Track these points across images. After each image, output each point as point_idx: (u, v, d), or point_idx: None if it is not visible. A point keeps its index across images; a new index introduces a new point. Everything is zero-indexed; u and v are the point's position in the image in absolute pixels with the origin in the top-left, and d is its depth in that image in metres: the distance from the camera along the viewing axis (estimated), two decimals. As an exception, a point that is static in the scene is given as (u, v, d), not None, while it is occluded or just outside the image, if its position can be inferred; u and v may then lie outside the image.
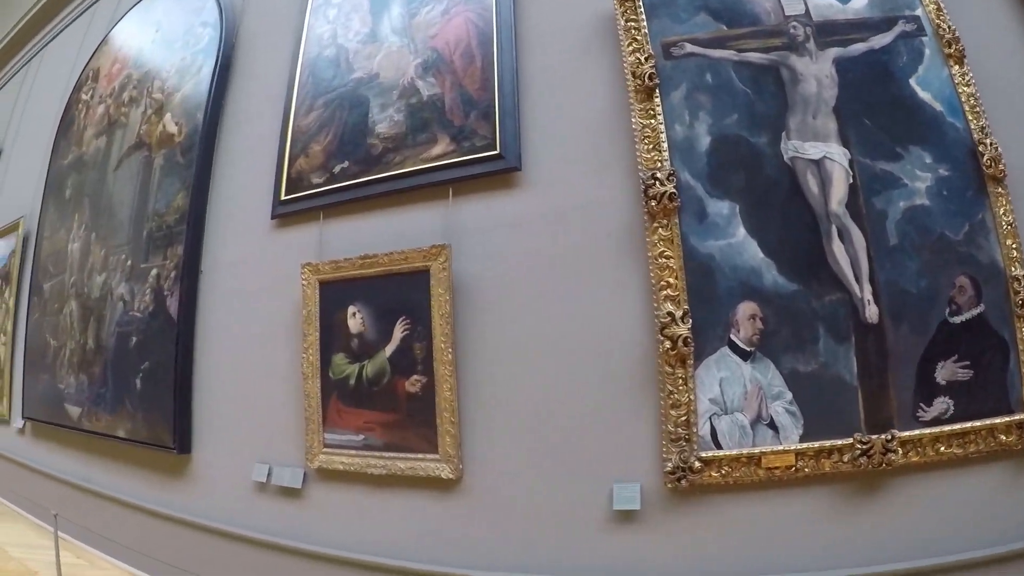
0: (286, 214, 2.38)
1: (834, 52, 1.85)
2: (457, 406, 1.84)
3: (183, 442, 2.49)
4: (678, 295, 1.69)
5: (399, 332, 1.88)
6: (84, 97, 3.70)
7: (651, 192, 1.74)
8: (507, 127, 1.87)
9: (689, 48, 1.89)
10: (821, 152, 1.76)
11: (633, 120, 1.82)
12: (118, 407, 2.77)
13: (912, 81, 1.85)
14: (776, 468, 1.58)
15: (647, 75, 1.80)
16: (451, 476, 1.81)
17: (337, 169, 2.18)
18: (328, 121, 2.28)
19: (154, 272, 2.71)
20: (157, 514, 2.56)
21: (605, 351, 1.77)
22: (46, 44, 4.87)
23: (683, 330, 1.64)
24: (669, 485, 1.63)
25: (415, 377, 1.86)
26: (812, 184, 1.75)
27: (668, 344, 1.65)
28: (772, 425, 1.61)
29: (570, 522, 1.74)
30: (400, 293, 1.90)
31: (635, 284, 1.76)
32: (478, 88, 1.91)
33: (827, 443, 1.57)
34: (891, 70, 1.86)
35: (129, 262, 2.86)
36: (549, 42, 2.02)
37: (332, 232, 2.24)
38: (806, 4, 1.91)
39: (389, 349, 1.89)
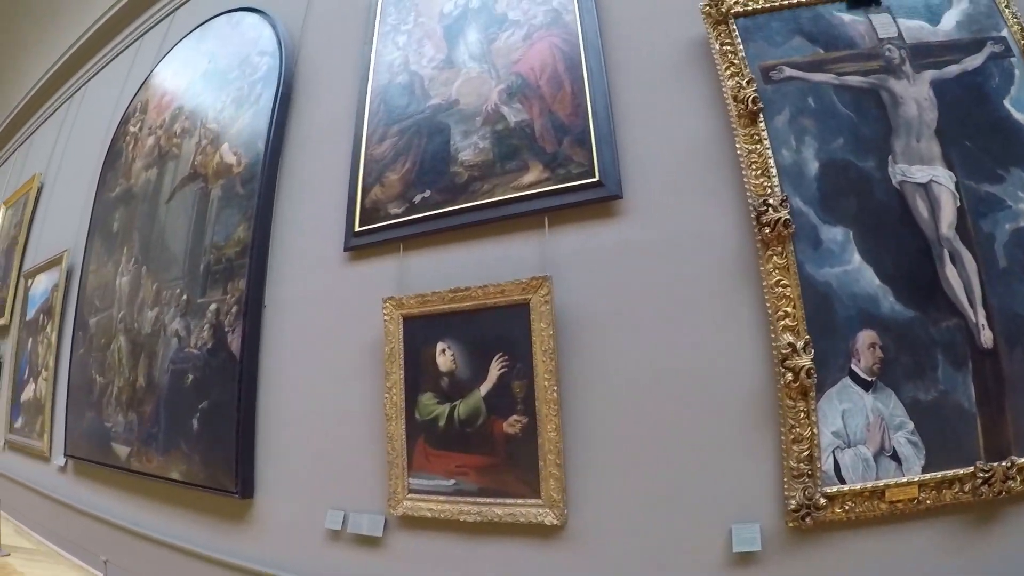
0: (361, 246, 2.24)
1: (930, 74, 1.77)
2: (562, 447, 1.69)
3: (246, 486, 2.31)
4: (797, 325, 1.60)
5: (496, 370, 1.74)
6: (132, 129, 3.64)
7: (764, 219, 1.63)
8: (604, 154, 1.78)
9: (788, 72, 1.80)
10: (928, 176, 1.69)
11: (738, 145, 1.72)
12: (171, 448, 2.61)
13: (1006, 102, 1.75)
14: (899, 501, 1.51)
15: (750, 99, 1.71)
16: (555, 522, 1.68)
17: (418, 199, 2.05)
18: (404, 149, 2.17)
19: (213, 307, 2.57)
20: (215, 561, 2.37)
21: (718, 385, 1.64)
22: (90, 79, 4.87)
23: (805, 361, 1.54)
24: (791, 524, 1.53)
25: (514, 417, 1.72)
26: (922, 208, 1.66)
27: (790, 376, 1.55)
28: (895, 457, 1.54)
29: (685, 568, 1.59)
30: (496, 328, 1.77)
31: (748, 314, 1.64)
32: (569, 114, 1.83)
33: (949, 473, 1.51)
34: (985, 91, 1.77)
35: (184, 297, 2.73)
36: (639, 67, 1.92)
37: (413, 265, 2.10)
38: (898, 27, 1.84)
39: (484, 388, 1.75)
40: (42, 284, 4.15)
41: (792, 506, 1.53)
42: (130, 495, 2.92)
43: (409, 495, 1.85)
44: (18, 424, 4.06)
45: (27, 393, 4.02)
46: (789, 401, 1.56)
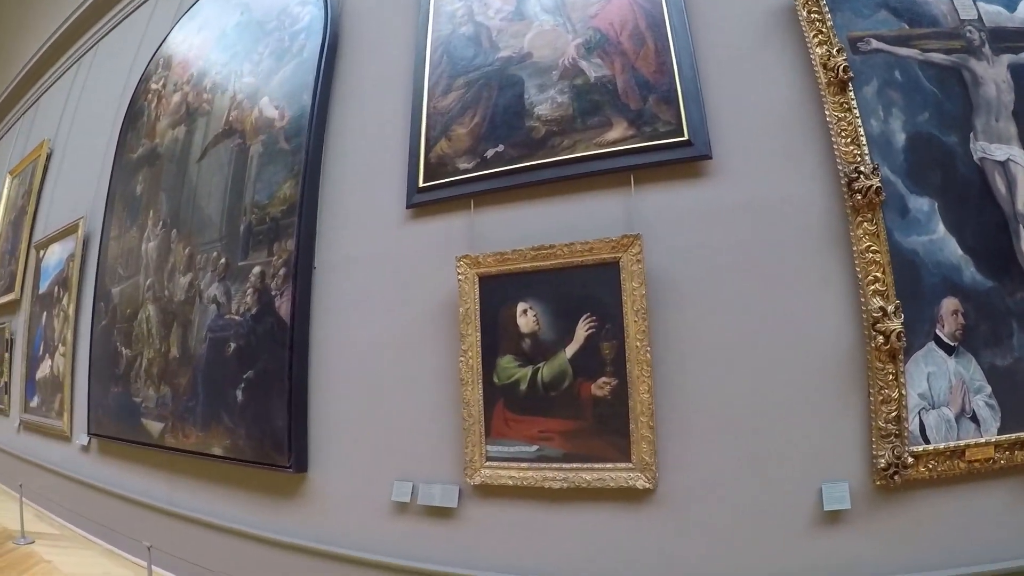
0: (426, 203, 2.02)
1: (1008, 58, 1.74)
2: (653, 409, 1.59)
3: (299, 460, 2.08)
4: (886, 290, 1.58)
5: (583, 330, 1.64)
6: (154, 87, 3.33)
7: (855, 186, 1.59)
8: (692, 113, 1.69)
9: (875, 44, 1.75)
10: (1006, 154, 1.69)
11: (827, 113, 1.67)
12: (212, 422, 2.37)
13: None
14: (976, 461, 1.54)
15: (840, 68, 1.66)
16: (647, 486, 1.59)
17: (490, 154, 1.89)
18: (472, 102, 1.98)
19: (256, 270, 2.31)
20: (268, 540, 2.16)
21: (808, 347, 1.59)
22: (101, 39, 4.50)
23: (896, 325, 1.53)
24: (879, 482, 1.52)
25: (603, 379, 1.60)
26: (1000, 185, 1.66)
27: (880, 339, 1.54)
28: (974, 418, 1.56)
29: (776, 527, 1.55)
30: (583, 287, 1.65)
31: (837, 279, 1.60)
32: (654, 71, 1.74)
33: (1022, 435, 1.54)
34: (1060, 79, 1.77)
35: (223, 260, 2.46)
36: (724, 30, 1.84)
37: (486, 222, 1.91)
38: (978, 9, 1.83)
39: (571, 350, 1.64)
40: (56, 255, 3.85)
41: (881, 465, 1.52)
42: (166, 474, 2.67)
43: (487, 463, 1.73)
44: (34, 403, 3.78)
45: (43, 370, 3.74)
46: (878, 364, 1.55)
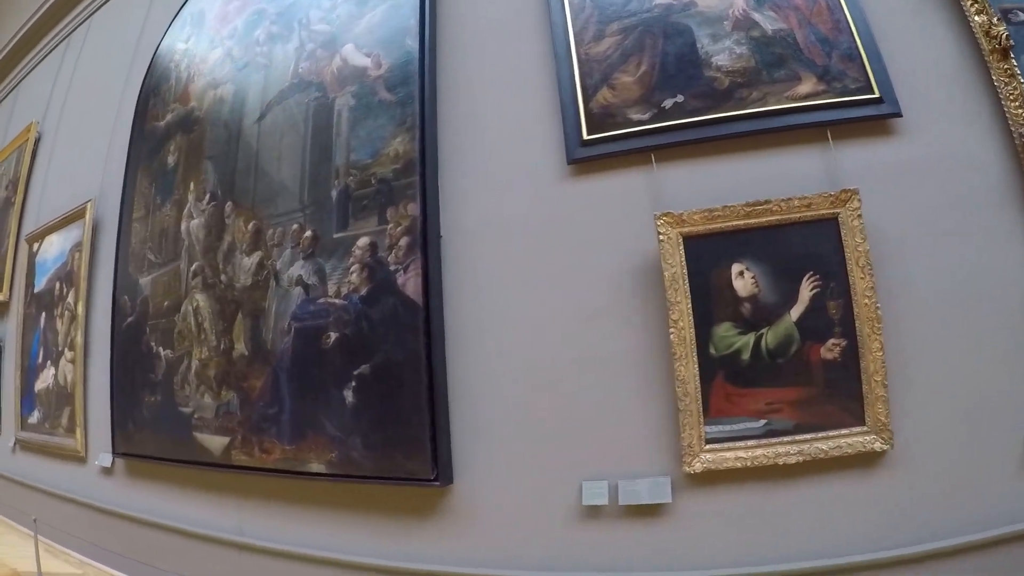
0: (593, 158, 1.59)
1: None
2: (886, 368, 1.37)
3: (445, 471, 1.54)
4: None
5: (807, 290, 1.39)
6: (182, 46, 2.64)
7: None
8: (877, 71, 1.53)
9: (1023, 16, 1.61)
10: None
11: (994, 78, 1.53)
12: (307, 432, 1.73)
13: None
14: None
15: (1004, 36, 1.54)
16: (884, 447, 1.37)
17: (668, 104, 1.59)
18: (634, 49, 1.66)
19: (364, 242, 1.70)
20: (396, 572, 1.57)
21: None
22: (94, 12, 3.67)
23: None
24: None
25: (832, 341, 1.38)
26: None
27: None
28: None
29: (1014, 481, 1.34)
30: (802, 245, 1.41)
31: None
32: (831, 28, 1.58)
33: None
34: None
35: (308, 233, 1.82)
36: None
37: (669, 178, 1.54)
38: None
39: (796, 312, 1.39)
40: (55, 246, 3.01)
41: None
42: (233, 499, 1.99)
43: (707, 446, 1.39)
44: (33, 419, 2.91)
45: (44, 380, 2.89)
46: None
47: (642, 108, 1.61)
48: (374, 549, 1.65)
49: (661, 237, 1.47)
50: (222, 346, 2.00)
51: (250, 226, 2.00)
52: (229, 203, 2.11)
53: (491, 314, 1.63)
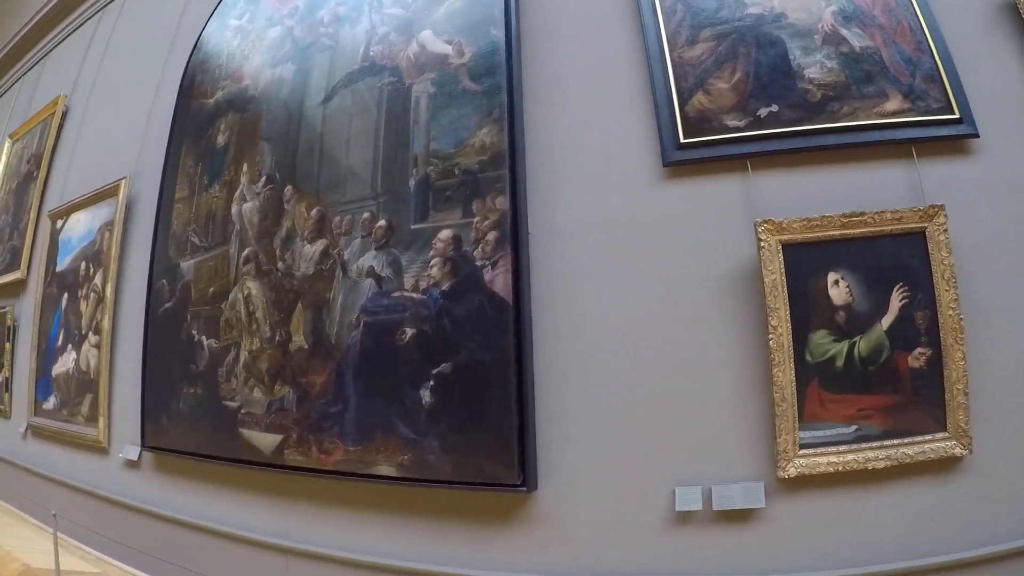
0: (689, 161, 1.53)
1: None
2: (968, 376, 1.39)
3: (531, 475, 1.43)
4: None
5: (897, 301, 1.41)
6: (235, 23, 2.47)
7: None
8: (956, 92, 1.53)
9: None
10: None
11: None
12: (375, 432, 1.59)
13: None
14: None
15: None
16: (963, 452, 1.39)
17: (763, 113, 1.56)
18: (728, 56, 1.61)
19: (446, 234, 1.57)
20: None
21: None
22: (127, -13, 3.52)
23: None
24: None
25: (919, 350, 1.40)
26: None
27: None
28: None
29: None
30: (892, 256, 1.43)
31: None
32: (914, 49, 1.59)
33: None
34: None
35: (381, 223, 1.70)
36: (955, 16, 1.63)
37: (763, 186, 1.50)
38: None
39: (886, 321, 1.41)
40: (82, 224, 2.81)
41: None
42: (280, 501, 1.83)
43: (801, 451, 1.38)
44: (49, 404, 2.70)
45: (63, 365, 2.69)
46: None
47: (738, 115, 1.58)
48: (446, 556, 1.52)
49: (762, 244, 1.42)
50: (277, 338, 1.85)
51: (313, 212, 1.86)
52: (289, 187, 1.96)
53: (581, 314, 1.53)
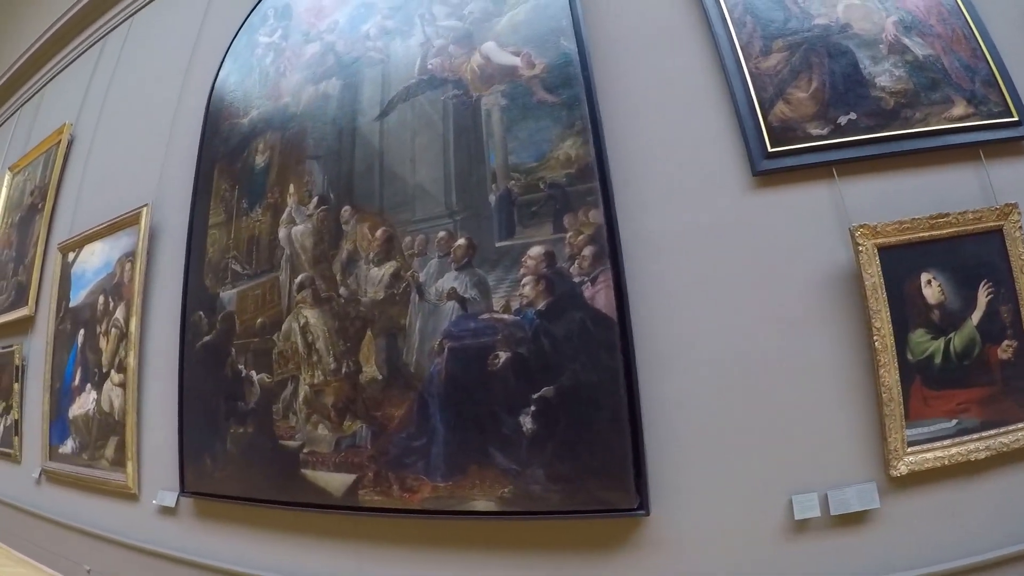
0: (778, 170, 1.51)
1: None
2: None
3: (645, 498, 1.32)
4: None
5: (983, 296, 1.45)
6: (265, 39, 2.34)
7: None
8: (1013, 96, 1.56)
9: None
10: None
11: None
12: (469, 465, 1.44)
13: None
14: None
15: None
16: None
17: (843, 121, 1.56)
18: (802, 66, 1.62)
19: (537, 251, 1.47)
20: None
21: None
22: (132, 14, 3.31)
23: None
24: None
25: (1006, 342, 1.43)
26: None
27: None
28: None
29: None
30: (975, 254, 1.48)
31: None
32: (970, 56, 1.63)
33: None
34: None
35: (461, 241, 1.59)
36: (999, 22, 1.65)
37: (849, 192, 1.49)
38: None
39: (976, 316, 1.44)
40: (98, 256, 2.59)
41: None
42: (354, 545, 1.66)
43: (909, 448, 1.38)
44: (66, 448, 2.43)
45: (82, 406, 2.44)
46: None
47: (819, 123, 1.58)
48: None
49: (860, 248, 1.40)
50: (344, 369, 1.70)
51: (379, 233, 1.73)
52: (347, 208, 1.83)
53: (682, 327, 1.45)
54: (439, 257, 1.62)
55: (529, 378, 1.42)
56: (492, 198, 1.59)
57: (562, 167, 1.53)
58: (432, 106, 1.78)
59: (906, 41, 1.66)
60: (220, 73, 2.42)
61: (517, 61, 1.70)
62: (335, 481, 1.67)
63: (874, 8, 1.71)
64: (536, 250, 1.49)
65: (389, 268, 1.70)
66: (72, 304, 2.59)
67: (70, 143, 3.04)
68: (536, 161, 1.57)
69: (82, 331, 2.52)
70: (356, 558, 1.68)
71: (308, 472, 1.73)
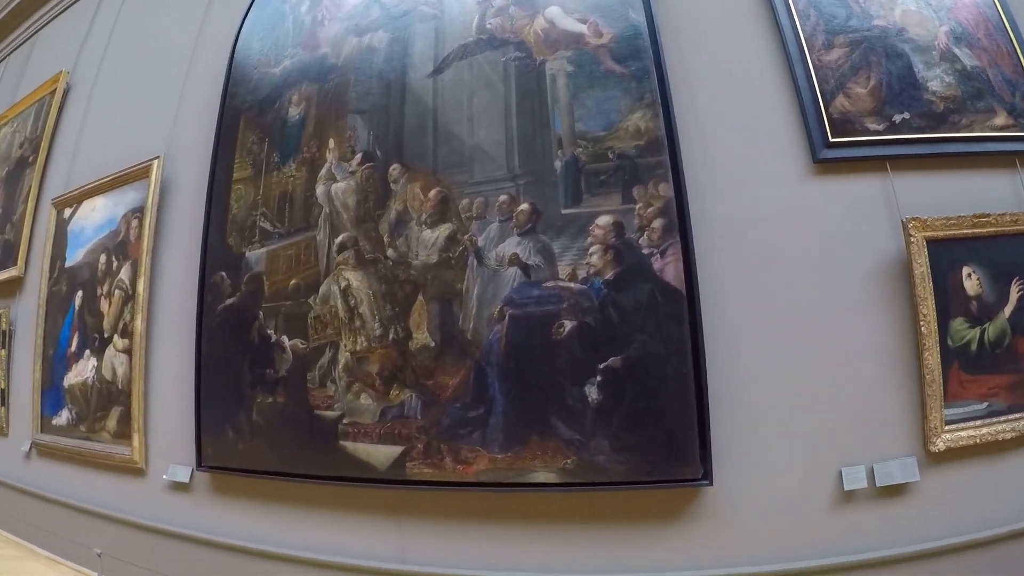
0: (837, 160, 1.58)
1: None
2: None
3: (709, 469, 1.35)
4: None
5: (1015, 292, 1.59)
6: (299, -9, 2.24)
7: None
8: None
9: None
10: None
11: None
12: (530, 436, 1.41)
13: None
14: None
15: None
16: None
17: (898, 119, 1.65)
18: (861, 63, 1.69)
19: (606, 220, 1.44)
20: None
21: None
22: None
23: None
24: None
25: None
26: None
27: None
28: None
29: None
30: (1009, 254, 1.61)
31: None
32: (1012, 71, 1.74)
33: None
34: None
35: (524, 206, 1.54)
36: None
37: (902, 186, 1.58)
38: None
39: (1008, 309, 1.57)
40: (100, 212, 2.40)
41: None
42: (392, 520, 1.61)
43: (947, 427, 1.55)
44: (60, 420, 2.26)
45: (79, 374, 2.26)
46: None
47: (876, 119, 1.67)
48: (609, 562, 1.39)
49: (912, 239, 1.51)
50: (391, 335, 1.63)
51: (432, 194, 1.66)
52: (396, 166, 1.74)
53: (743, 306, 1.48)
54: (500, 221, 1.57)
55: (595, 348, 1.40)
56: (558, 164, 1.55)
57: (631, 138, 1.51)
58: (492, 67, 1.72)
59: (956, 51, 1.77)
60: (247, 19, 2.29)
61: (584, 29, 1.66)
62: (378, 453, 1.60)
63: (928, 16, 1.80)
64: (605, 219, 1.46)
65: (444, 230, 1.63)
66: (69, 264, 2.40)
67: (66, 92, 2.82)
68: (604, 130, 1.54)
69: (80, 293, 2.34)
70: (398, 533, 1.62)
71: (348, 444, 1.65)
